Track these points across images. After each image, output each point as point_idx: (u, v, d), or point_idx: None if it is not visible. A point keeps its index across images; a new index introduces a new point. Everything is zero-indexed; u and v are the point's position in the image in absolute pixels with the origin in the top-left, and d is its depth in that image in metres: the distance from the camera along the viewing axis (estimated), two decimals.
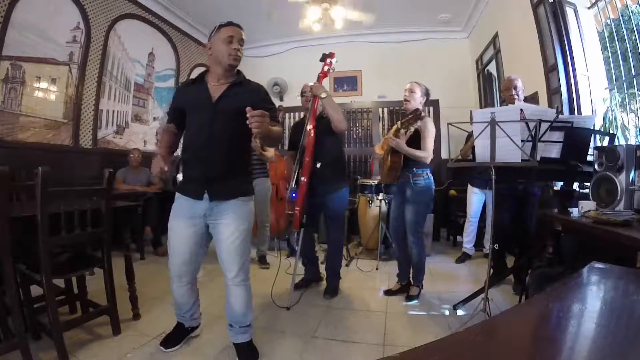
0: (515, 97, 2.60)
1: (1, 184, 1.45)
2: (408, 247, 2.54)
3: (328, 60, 2.41)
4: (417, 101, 2.49)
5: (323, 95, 2.30)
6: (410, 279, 2.64)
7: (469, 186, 3.61)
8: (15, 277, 1.59)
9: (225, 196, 1.64)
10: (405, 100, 2.49)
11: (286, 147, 2.86)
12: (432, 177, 2.50)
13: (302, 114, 5.81)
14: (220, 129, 1.56)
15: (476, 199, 3.51)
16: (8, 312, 1.60)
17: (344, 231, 2.78)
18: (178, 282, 1.73)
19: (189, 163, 1.69)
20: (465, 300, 2.38)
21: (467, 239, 3.61)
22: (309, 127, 2.35)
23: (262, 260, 3.48)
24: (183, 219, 1.66)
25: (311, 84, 2.51)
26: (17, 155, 3.09)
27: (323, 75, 2.39)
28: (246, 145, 1.73)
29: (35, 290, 1.81)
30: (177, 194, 1.72)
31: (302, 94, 2.72)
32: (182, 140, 1.78)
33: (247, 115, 1.35)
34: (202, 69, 6.28)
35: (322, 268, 2.86)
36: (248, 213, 1.69)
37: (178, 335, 1.86)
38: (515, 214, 2.62)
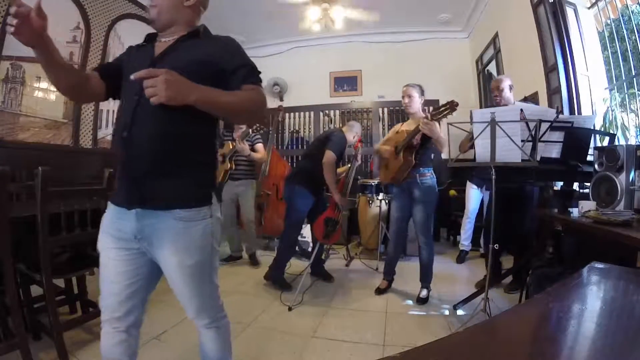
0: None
1: (1, 184, 1.45)
2: (419, 248, 2.59)
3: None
4: (418, 104, 2.53)
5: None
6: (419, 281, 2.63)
7: (468, 182, 3.61)
8: (15, 277, 1.58)
9: (159, 203, 1.04)
10: (407, 106, 2.54)
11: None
12: (435, 176, 2.55)
13: (303, 114, 5.80)
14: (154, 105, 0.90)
15: (474, 195, 3.52)
16: (8, 312, 1.60)
17: None
18: (108, 327, 1.13)
19: (115, 154, 1.15)
20: (465, 300, 2.38)
21: (465, 236, 3.63)
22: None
23: (252, 259, 3.49)
24: (110, 237, 1.11)
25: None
26: (17, 155, 3.09)
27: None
28: (201, 126, 1.09)
29: (35, 290, 1.81)
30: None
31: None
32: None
33: (132, 78, 0.90)
34: None
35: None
36: (202, 235, 1.09)
37: None
38: (510, 213, 2.58)
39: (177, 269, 1.09)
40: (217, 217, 1.15)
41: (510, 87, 2.61)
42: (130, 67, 1.08)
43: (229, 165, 3.24)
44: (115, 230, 1.10)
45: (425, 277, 2.58)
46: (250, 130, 3.27)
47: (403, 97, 2.55)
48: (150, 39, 1.20)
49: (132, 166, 1.05)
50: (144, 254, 1.10)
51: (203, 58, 1.06)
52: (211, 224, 1.12)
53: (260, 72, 1.14)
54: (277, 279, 2.78)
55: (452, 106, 2.19)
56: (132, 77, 0.89)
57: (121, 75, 1.15)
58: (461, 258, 3.58)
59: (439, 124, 2.31)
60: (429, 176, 2.50)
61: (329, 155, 2.67)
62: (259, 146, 3.39)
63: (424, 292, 2.55)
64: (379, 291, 2.69)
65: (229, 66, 1.08)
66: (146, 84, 0.88)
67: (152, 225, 1.06)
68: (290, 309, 2.38)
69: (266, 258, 3.61)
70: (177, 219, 1.05)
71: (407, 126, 2.61)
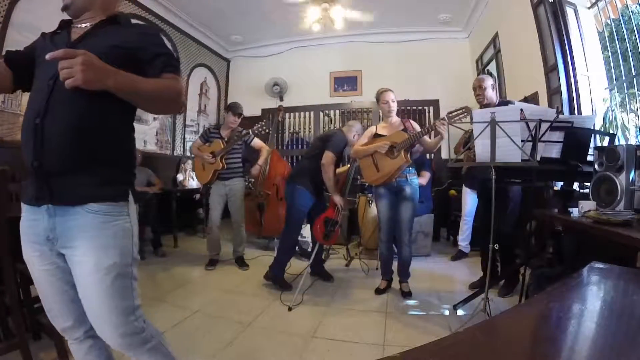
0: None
1: (1, 184, 1.45)
2: (401, 246, 2.66)
3: None
4: (395, 107, 2.70)
5: None
6: (399, 276, 2.71)
7: (464, 186, 3.69)
8: (15, 277, 1.58)
9: (71, 199, 0.96)
10: (390, 110, 2.65)
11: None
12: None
13: (303, 114, 5.81)
14: (69, 88, 0.82)
15: (470, 198, 3.58)
16: (8, 312, 1.60)
17: None
18: (69, 338, 1.09)
19: (22, 144, 1.02)
20: (465, 300, 2.38)
21: (462, 237, 3.70)
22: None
23: (239, 262, 3.36)
24: (31, 244, 1.02)
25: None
26: (17, 155, 3.07)
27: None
28: (120, 119, 1.05)
29: (35, 290, 1.81)
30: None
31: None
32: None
33: (47, 57, 0.82)
34: (203, 70, 6.24)
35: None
36: (121, 232, 1.01)
37: None
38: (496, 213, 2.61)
39: (93, 271, 0.95)
40: (135, 219, 1.06)
41: (493, 87, 2.63)
42: (45, 54, 0.90)
43: (220, 165, 3.16)
44: (33, 235, 1.00)
45: (407, 272, 2.69)
46: (243, 130, 3.20)
47: (387, 101, 2.63)
48: (65, 25, 1.11)
49: (43, 158, 0.94)
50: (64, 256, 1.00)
51: (122, 44, 1.00)
52: (130, 223, 1.03)
53: (178, 62, 1.11)
54: (277, 279, 2.78)
55: (467, 111, 2.31)
56: (47, 56, 0.82)
57: (33, 63, 1.06)
58: (457, 256, 3.67)
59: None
60: (415, 175, 2.67)
61: (328, 156, 2.71)
62: (257, 142, 3.33)
63: (407, 286, 2.67)
64: (379, 291, 2.70)
65: (147, 54, 1.02)
66: (62, 64, 0.80)
67: (64, 223, 0.96)
68: (290, 309, 2.38)
69: (266, 258, 3.62)
70: (91, 212, 0.96)
71: (386, 130, 2.68)
